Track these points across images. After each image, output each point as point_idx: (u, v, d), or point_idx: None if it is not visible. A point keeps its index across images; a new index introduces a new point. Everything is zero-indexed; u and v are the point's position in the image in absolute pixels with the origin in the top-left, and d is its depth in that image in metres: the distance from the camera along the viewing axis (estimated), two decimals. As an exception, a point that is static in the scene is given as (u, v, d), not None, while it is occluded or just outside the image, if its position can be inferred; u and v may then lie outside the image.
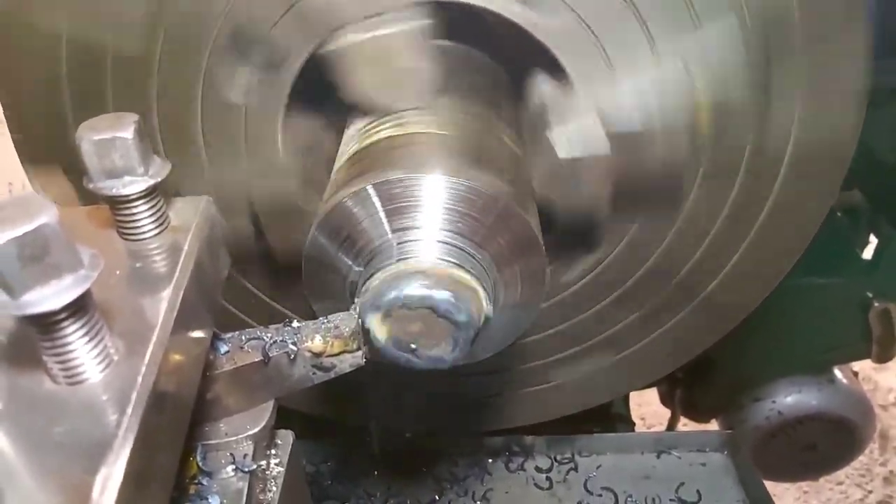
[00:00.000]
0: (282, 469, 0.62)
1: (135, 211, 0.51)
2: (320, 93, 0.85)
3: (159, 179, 0.51)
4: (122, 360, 0.42)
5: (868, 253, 1.49)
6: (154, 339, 0.42)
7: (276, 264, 0.95)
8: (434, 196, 0.68)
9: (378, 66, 0.80)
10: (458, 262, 0.67)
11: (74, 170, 0.84)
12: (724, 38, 0.85)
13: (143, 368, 0.40)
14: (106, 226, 0.54)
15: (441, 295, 0.64)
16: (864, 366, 1.62)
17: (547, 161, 0.86)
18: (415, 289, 0.64)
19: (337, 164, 0.80)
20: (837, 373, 1.58)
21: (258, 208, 0.89)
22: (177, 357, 0.44)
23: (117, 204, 0.51)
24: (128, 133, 0.49)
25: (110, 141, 0.48)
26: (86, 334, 0.40)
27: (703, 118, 0.88)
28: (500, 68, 0.94)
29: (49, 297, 0.37)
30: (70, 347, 0.40)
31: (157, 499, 0.41)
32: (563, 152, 0.85)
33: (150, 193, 0.51)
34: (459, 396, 1.18)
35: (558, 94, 0.86)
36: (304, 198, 0.90)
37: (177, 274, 0.48)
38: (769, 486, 1.14)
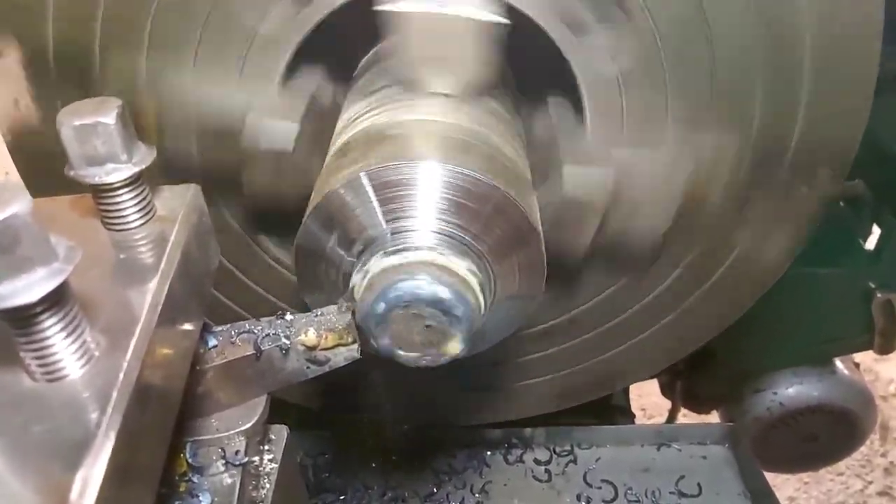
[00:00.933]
0: (276, 465, 0.61)
1: (119, 200, 0.49)
2: (332, 45, 0.83)
3: (144, 167, 0.49)
4: (104, 356, 0.40)
5: (871, 243, 1.48)
6: (137, 332, 0.41)
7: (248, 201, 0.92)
8: (430, 184, 0.66)
9: (441, 43, 0.76)
10: (454, 254, 0.65)
11: None
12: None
13: (126, 364, 0.39)
14: (90, 215, 0.52)
15: (437, 289, 0.62)
16: (864, 356, 1.62)
17: (548, 191, 0.87)
18: (410, 283, 0.62)
19: (331, 150, 0.78)
20: (839, 364, 1.58)
21: (245, 143, 0.84)
22: (162, 351, 0.43)
23: (100, 193, 0.49)
24: (110, 118, 0.46)
25: (92, 126, 0.46)
26: (64, 329, 0.38)
27: (693, 203, 0.91)
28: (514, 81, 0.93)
29: (20, 290, 0.35)
30: (48, 343, 0.38)
31: (141, 498, 0.39)
32: (568, 189, 0.86)
33: (134, 181, 0.49)
34: (457, 389, 1.17)
35: (570, 128, 0.87)
36: (295, 146, 0.85)
37: (162, 265, 0.46)
38: (769, 476, 1.14)
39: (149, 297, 0.43)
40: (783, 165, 0.90)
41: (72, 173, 0.48)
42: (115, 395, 0.37)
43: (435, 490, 1.16)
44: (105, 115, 0.46)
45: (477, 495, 1.15)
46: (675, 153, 0.87)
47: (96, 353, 0.40)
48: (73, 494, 0.33)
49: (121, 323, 0.42)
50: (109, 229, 0.51)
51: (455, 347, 0.65)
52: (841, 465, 2.56)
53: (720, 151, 0.88)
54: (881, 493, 2.53)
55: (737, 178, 0.90)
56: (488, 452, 1.21)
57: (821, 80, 0.85)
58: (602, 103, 0.84)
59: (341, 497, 1.17)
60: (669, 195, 0.89)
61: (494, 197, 0.66)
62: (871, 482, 2.57)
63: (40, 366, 0.39)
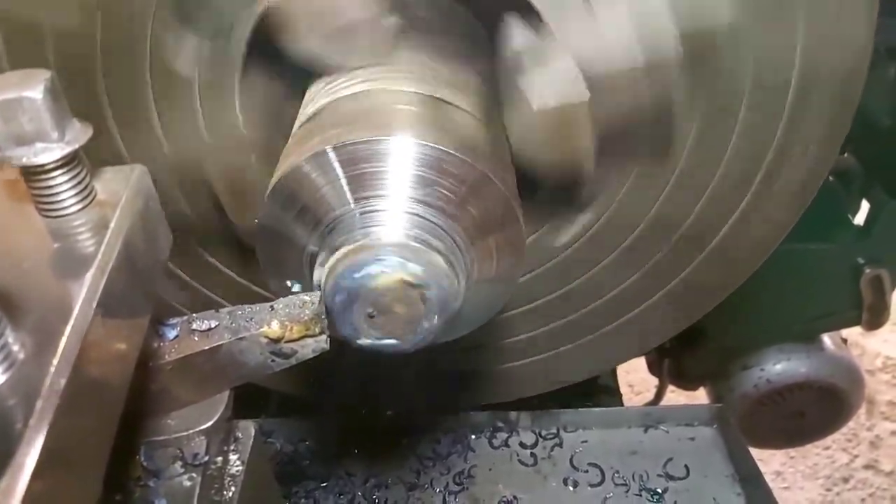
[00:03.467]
0: (241, 466, 0.57)
1: (52, 183, 0.45)
2: (279, 59, 0.78)
3: (77, 146, 0.44)
4: (29, 359, 0.36)
5: (860, 219, 1.47)
6: (67, 331, 0.36)
7: (240, 243, 0.89)
8: (402, 161, 0.61)
9: (323, 18, 0.72)
10: (427, 236, 0.61)
11: None
12: None
13: (52, 368, 0.34)
14: (23, 200, 0.47)
15: (409, 273, 0.58)
16: (851, 331, 1.63)
17: (523, 115, 0.78)
18: (380, 267, 0.58)
19: (295, 126, 0.73)
20: (827, 340, 1.58)
21: (217, 186, 0.83)
22: (100, 350, 0.38)
23: (31, 176, 0.44)
24: (36, 92, 0.41)
25: (16, 101, 0.41)
26: (-26, 330, 0.34)
27: (690, 48, 0.79)
28: (467, 14, 0.85)
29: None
30: (-44, 347, 0.34)
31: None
32: (537, 103, 0.77)
33: (69, 162, 0.45)
34: (440, 373, 1.14)
35: (533, 40, 0.78)
36: (265, 174, 0.83)
37: (99, 255, 0.42)
38: (755, 451, 1.13)
39: (83, 291, 0.39)
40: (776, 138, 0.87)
41: (-2, 155, 0.44)
42: (38, 404, 0.33)
43: (419, 476, 1.15)
44: (31, 89, 0.41)
45: (462, 480, 1.13)
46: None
47: (20, 357, 0.36)
48: None
49: (51, 321, 0.37)
50: (44, 216, 0.46)
51: (428, 334, 0.62)
52: (827, 439, 2.58)
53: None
54: (867, 467, 2.56)
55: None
56: (473, 437, 1.19)
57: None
58: None
59: (323, 484, 1.15)
60: (664, 46, 0.79)
61: (471, 174, 0.62)
62: (856, 456, 2.59)
63: (-46, 373, 0.34)
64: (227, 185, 0.83)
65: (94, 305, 0.38)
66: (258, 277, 0.96)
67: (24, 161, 0.43)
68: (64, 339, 0.36)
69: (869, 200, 1.45)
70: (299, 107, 0.82)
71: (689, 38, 0.79)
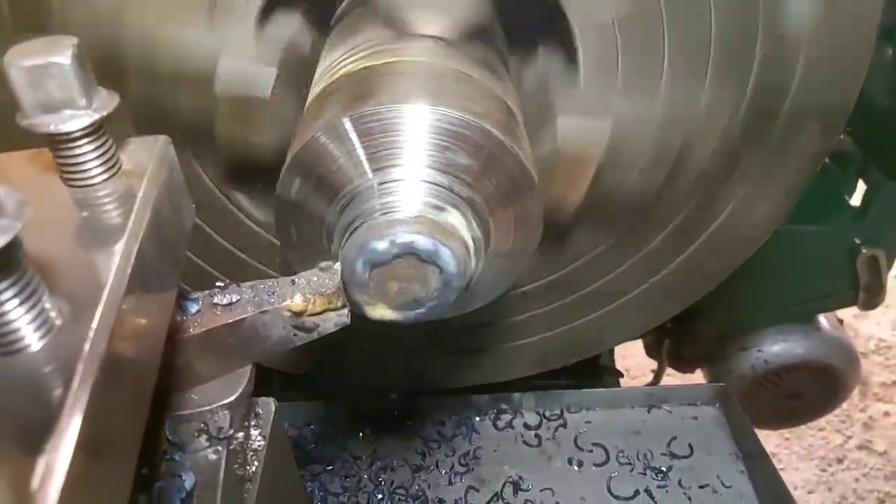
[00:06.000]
0: (264, 441, 0.57)
1: (79, 152, 0.44)
2: None
3: (105, 113, 0.43)
4: (67, 325, 0.35)
5: (856, 200, 1.48)
6: (104, 298, 0.36)
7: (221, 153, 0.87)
8: (418, 129, 0.61)
9: None
10: (446, 207, 0.60)
11: None
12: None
13: (92, 333, 0.34)
14: (49, 171, 0.46)
15: (428, 244, 0.58)
16: (845, 314, 1.65)
17: (539, 146, 0.83)
18: (399, 238, 0.57)
19: (311, 95, 0.72)
20: (823, 321, 1.59)
21: (218, 88, 0.79)
22: (133, 319, 0.38)
23: (58, 144, 0.44)
24: (64, 58, 0.41)
25: (43, 67, 0.40)
26: (17, 296, 0.33)
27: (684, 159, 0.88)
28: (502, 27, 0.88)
29: (-40, 252, 0.30)
30: (0, 311, 0.33)
31: (116, 482, 0.35)
32: (562, 141, 0.82)
33: (95, 131, 0.44)
34: (444, 352, 1.15)
35: (563, 78, 0.83)
36: (272, 92, 0.80)
37: (130, 224, 0.41)
38: (751, 432, 1.13)
39: (116, 259, 0.38)
40: (776, 125, 0.87)
41: (25, 122, 0.43)
42: (80, 368, 0.32)
43: (424, 458, 1.15)
44: (59, 55, 0.41)
45: (468, 462, 1.13)
46: (670, 106, 0.84)
47: (58, 323, 0.35)
48: (35, 482, 0.29)
49: (85, 289, 0.37)
50: (70, 186, 0.45)
51: (443, 305, 0.61)
52: (821, 420, 2.62)
53: (715, 107, 0.85)
54: (860, 447, 2.59)
55: (729, 135, 0.87)
56: (477, 418, 1.20)
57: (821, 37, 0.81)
58: (597, 50, 0.80)
59: (329, 468, 1.15)
60: (662, 150, 0.86)
61: (489, 143, 0.61)
62: (850, 437, 2.62)
63: (-6, 337, 0.34)
64: (231, 92, 0.80)
65: (128, 273, 0.38)
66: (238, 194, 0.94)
67: (52, 128, 0.42)
68: (101, 306, 0.35)
69: (865, 181, 1.45)
70: (311, 45, 0.82)
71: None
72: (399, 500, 1.10)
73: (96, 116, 0.43)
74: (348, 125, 0.60)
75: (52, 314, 0.35)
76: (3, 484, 0.29)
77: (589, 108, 0.82)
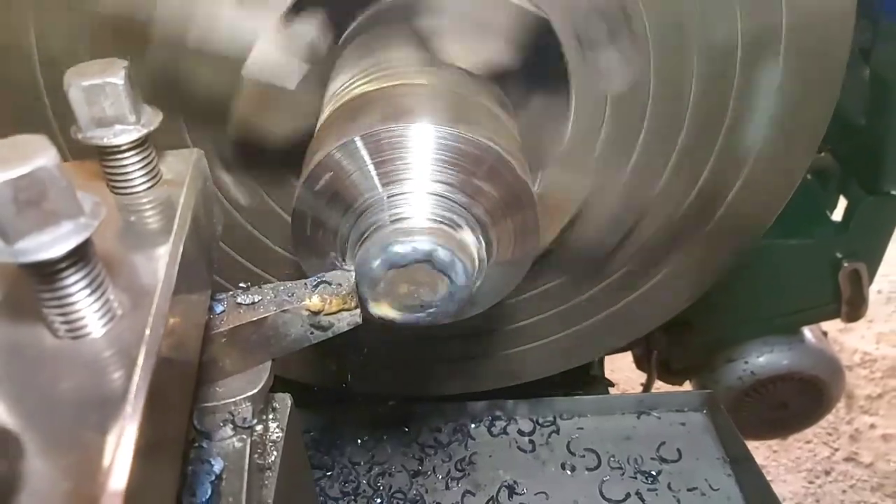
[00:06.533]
0: (281, 433, 0.61)
1: (126, 162, 0.49)
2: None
3: (152, 129, 0.48)
4: (127, 315, 0.40)
5: (838, 215, 1.51)
6: (158, 292, 0.40)
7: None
8: (423, 146, 0.66)
9: (481, 17, 0.78)
10: (452, 217, 0.65)
11: None
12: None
13: (150, 321, 0.38)
14: (95, 179, 0.51)
15: (434, 249, 0.62)
16: (830, 328, 1.66)
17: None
18: (408, 245, 0.62)
19: (322, 117, 0.77)
20: (808, 333, 1.61)
21: (248, 71, 0.80)
22: (181, 313, 0.42)
23: (107, 155, 0.49)
24: (118, 78, 0.46)
25: (100, 87, 0.45)
26: (87, 286, 0.38)
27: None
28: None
29: (46, 244, 0.34)
30: (72, 299, 0.38)
31: (171, 459, 0.39)
32: (546, 187, 0.88)
33: (142, 144, 0.49)
34: (441, 360, 1.18)
35: (552, 129, 0.90)
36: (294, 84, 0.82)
37: (175, 227, 0.46)
38: (740, 444, 1.15)
39: (165, 259, 0.43)
40: (707, 226, 1.00)
41: (79, 136, 0.47)
42: (143, 352, 0.36)
43: (421, 464, 1.17)
44: (114, 76, 0.46)
45: (464, 467, 1.16)
46: (636, 180, 0.92)
47: (119, 312, 0.40)
48: (106, 458, 0.33)
49: (138, 285, 0.41)
50: (116, 193, 0.50)
51: (450, 311, 0.66)
52: (808, 433, 2.63)
53: (667, 193, 0.94)
54: (847, 459, 2.62)
55: (671, 222, 0.98)
56: (473, 425, 1.22)
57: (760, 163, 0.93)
58: (587, 117, 0.87)
59: (328, 474, 1.17)
60: (620, 217, 0.94)
61: (489, 158, 0.66)
62: (837, 449, 2.64)
63: (64, 322, 0.38)
64: (258, 77, 0.81)
65: (176, 271, 0.42)
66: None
67: (104, 141, 0.47)
68: (156, 299, 0.40)
69: (846, 197, 1.48)
70: (329, 46, 0.84)
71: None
72: (397, 504, 1.11)
73: (144, 131, 0.48)
74: (360, 143, 0.65)
75: (115, 304, 0.39)
76: (75, 459, 0.33)
77: (573, 165, 0.89)
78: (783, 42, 0.86)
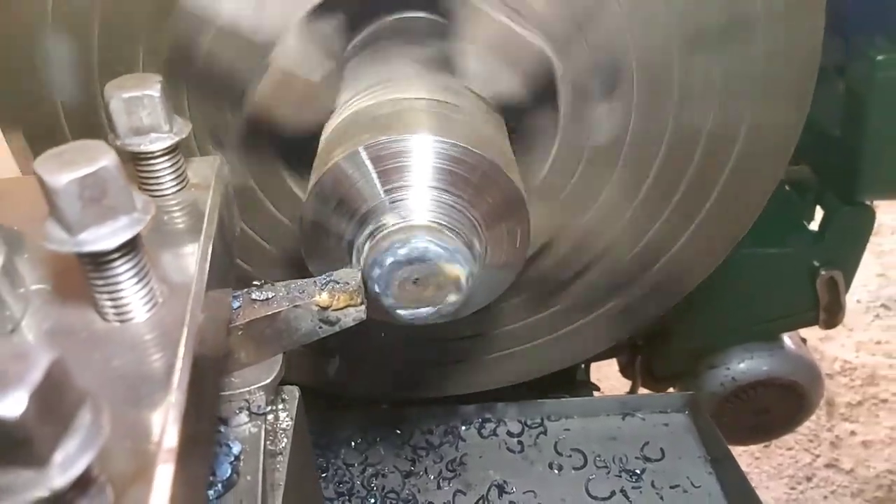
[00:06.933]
0: (291, 422, 0.65)
1: (158, 167, 0.53)
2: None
3: (183, 136, 0.53)
4: (167, 302, 0.44)
5: (815, 224, 1.54)
6: (194, 283, 0.45)
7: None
8: (422, 155, 0.71)
9: (503, 54, 0.83)
10: (449, 220, 0.70)
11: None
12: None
13: (189, 307, 0.43)
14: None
15: (435, 248, 0.67)
16: (810, 336, 1.68)
17: None
18: (410, 245, 0.67)
19: (327, 130, 0.82)
20: (787, 340, 1.63)
21: (277, 59, 0.83)
22: (213, 304, 0.47)
23: (141, 161, 0.53)
24: (155, 91, 0.51)
25: (139, 98, 0.50)
26: (135, 275, 0.42)
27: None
28: None
29: (105, 236, 0.39)
30: (121, 286, 0.42)
31: (206, 437, 0.43)
32: None
33: (173, 150, 0.54)
34: (431, 362, 1.21)
35: (533, 157, 0.95)
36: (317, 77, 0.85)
37: (205, 226, 0.50)
38: (724, 448, 1.18)
39: (197, 255, 0.47)
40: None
41: (117, 143, 0.52)
42: (185, 334, 0.41)
43: (413, 465, 1.20)
44: (151, 88, 0.51)
45: (455, 468, 1.19)
46: (599, 222, 0.99)
47: (160, 300, 0.44)
48: (155, 433, 0.36)
49: (175, 277, 0.46)
50: (146, 195, 0.55)
51: (452, 305, 0.71)
52: (790, 440, 2.66)
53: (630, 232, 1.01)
54: (828, 465, 2.64)
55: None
56: (463, 427, 1.25)
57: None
58: (564, 164, 0.94)
59: (323, 475, 1.20)
60: (582, 250, 1.01)
61: (482, 165, 0.72)
62: (818, 455, 2.67)
63: (113, 307, 0.43)
64: (285, 68, 0.84)
65: (207, 266, 0.47)
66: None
67: (141, 148, 0.52)
68: (193, 289, 0.44)
69: (822, 207, 1.50)
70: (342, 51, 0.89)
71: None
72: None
73: (176, 139, 0.52)
74: (363, 153, 0.71)
75: (157, 292, 0.44)
76: (132, 424, 0.37)
77: (550, 195, 0.95)
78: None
